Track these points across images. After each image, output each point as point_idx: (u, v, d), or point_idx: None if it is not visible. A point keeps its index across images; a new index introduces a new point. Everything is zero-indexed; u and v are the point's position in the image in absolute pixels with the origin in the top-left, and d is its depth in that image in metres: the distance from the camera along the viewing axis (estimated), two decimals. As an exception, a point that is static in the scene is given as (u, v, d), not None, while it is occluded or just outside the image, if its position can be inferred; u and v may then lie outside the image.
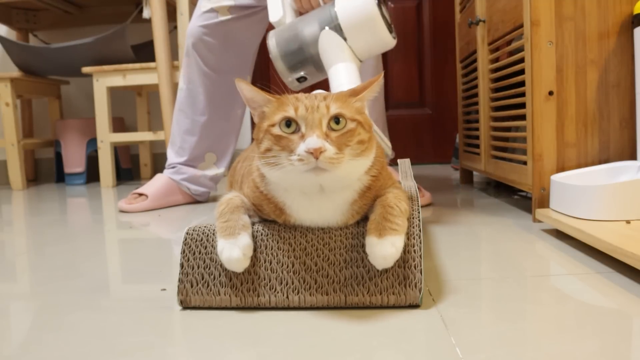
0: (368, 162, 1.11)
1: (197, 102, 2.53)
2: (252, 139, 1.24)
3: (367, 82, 1.14)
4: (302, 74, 1.89)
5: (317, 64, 1.86)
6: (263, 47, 2.48)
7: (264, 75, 4.36)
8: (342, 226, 1.15)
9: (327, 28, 1.80)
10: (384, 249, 1.06)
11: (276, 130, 1.05)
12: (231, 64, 2.51)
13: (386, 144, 1.75)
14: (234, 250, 1.09)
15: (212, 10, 2.40)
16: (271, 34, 1.91)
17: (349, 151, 1.05)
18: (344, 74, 1.77)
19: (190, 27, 2.47)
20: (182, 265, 1.15)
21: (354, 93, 1.12)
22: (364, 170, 1.12)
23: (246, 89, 1.11)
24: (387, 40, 1.82)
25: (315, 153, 1.00)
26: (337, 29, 1.79)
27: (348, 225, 1.15)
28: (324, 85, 1.78)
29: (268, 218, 1.20)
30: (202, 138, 2.57)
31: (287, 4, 1.96)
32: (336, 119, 1.05)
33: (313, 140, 1.01)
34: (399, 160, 1.79)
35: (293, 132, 1.04)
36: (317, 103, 1.04)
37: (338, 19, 1.79)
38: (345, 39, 1.79)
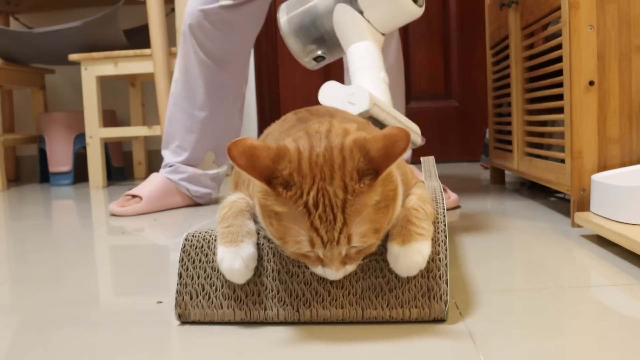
0: (399, 205, 1.08)
1: (195, 95, 2.53)
2: (258, 135, 1.22)
3: (385, 151, 0.97)
4: (318, 53, 1.87)
5: (334, 40, 1.82)
6: (268, 41, 2.48)
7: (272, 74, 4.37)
8: None
9: (342, 4, 1.75)
10: (408, 258, 1.05)
11: (289, 247, 1.01)
12: (230, 54, 2.51)
13: (414, 132, 1.69)
14: (235, 261, 1.08)
15: None
16: (282, 7, 1.88)
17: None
18: (364, 56, 1.73)
19: (188, 8, 2.47)
20: (180, 275, 1.15)
21: (376, 174, 0.97)
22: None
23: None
24: (411, 10, 1.76)
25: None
26: (353, 0, 1.75)
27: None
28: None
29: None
30: (202, 136, 2.57)
31: None
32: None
33: (332, 275, 1.02)
34: (422, 158, 1.79)
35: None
36: (336, 235, 0.96)
37: None
38: (362, 12, 1.74)
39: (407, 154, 2.49)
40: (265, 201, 0.99)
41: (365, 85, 1.67)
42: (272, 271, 1.13)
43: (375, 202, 0.98)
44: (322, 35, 1.83)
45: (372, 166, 0.95)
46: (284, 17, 1.86)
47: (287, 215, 0.97)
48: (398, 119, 1.65)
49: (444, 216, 1.18)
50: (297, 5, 1.86)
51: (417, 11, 1.76)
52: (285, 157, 0.97)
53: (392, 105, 1.70)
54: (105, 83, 3.99)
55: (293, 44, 1.86)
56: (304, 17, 1.83)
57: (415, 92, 4.34)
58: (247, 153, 0.95)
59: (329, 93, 1.63)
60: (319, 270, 1.02)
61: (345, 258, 1.00)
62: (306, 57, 1.89)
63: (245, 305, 1.11)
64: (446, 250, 1.11)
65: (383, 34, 1.80)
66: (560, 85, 1.91)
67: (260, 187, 1.00)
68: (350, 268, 1.03)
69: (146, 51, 3.57)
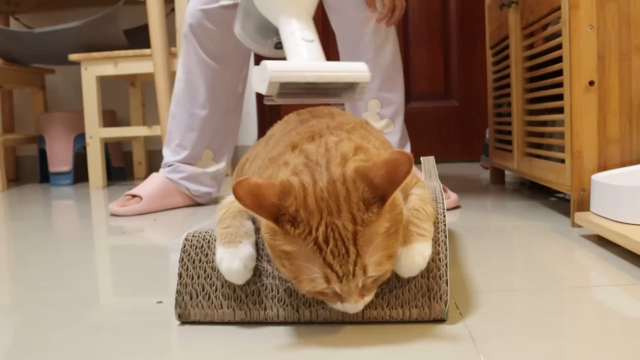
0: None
1: (197, 94, 2.53)
2: (259, 135, 1.21)
3: (387, 176, 0.96)
4: (274, 39, 1.90)
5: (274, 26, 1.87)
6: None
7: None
8: None
9: None
10: (410, 259, 1.05)
11: (304, 287, 1.00)
12: (231, 53, 2.51)
13: (357, 72, 1.67)
14: (234, 261, 1.09)
15: None
16: (235, 23, 1.95)
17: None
18: (283, 27, 1.74)
19: (189, 8, 2.47)
20: (180, 275, 1.15)
21: (382, 201, 0.95)
22: None
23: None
24: None
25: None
26: None
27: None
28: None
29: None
30: (202, 134, 2.57)
31: None
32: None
33: (352, 308, 1.01)
34: (422, 158, 1.80)
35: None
36: (351, 268, 0.95)
37: None
38: None
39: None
40: (274, 241, 0.98)
41: (289, 51, 1.69)
42: (272, 271, 1.13)
43: (386, 229, 0.97)
44: (264, 24, 1.85)
45: (378, 194, 0.95)
46: (238, 27, 1.93)
47: (298, 254, 0.96)
48: (324, 72, 1.62)
49: (444, 216, 1.18)
50: (238, 11, 1.92)
51: None
52: (291, 193, 0.96)
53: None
54: (105, 83, 3.98)
55: (251, 45, 1.94)
56: (244, 19, 1.90)
57: (415, 92, 4.34)
58: (252, 192, 0.95)
59: (255, 75, 1.65)
60: (337, 306, 1.01)
61: (362, 289, 0.99)
62: (268, 50, 1.93)
63: (245, 305, 1.11)
64: (446, 250, 1.11)
65: None
66: (560, 85, 1.91)
67: (266, 228, 0.99)
68: (368, 299, 1.01)
69: (146, 51, 3.56)
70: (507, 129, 2.60)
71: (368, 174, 0.96)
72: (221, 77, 2.52)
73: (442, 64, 4.36)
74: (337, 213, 0.94)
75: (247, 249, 1.10)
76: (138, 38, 3.91)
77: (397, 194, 1.00)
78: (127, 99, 4.39)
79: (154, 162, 4.33)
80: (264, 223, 0.99)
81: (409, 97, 4.26)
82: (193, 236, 1.19)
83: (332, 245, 0.94)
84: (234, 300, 1.12)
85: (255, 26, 1.90)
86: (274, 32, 1.84)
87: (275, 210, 0.95)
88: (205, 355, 0.99)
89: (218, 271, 1.13)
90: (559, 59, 1.90)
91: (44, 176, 4.21)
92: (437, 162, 1.78)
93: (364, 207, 0.95)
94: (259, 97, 4.37)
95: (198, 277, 1.15)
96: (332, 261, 0.94)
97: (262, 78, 1.61)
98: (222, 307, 1.12)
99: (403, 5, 2.40)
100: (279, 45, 1.88)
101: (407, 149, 2.51)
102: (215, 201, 2.71)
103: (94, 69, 3.67)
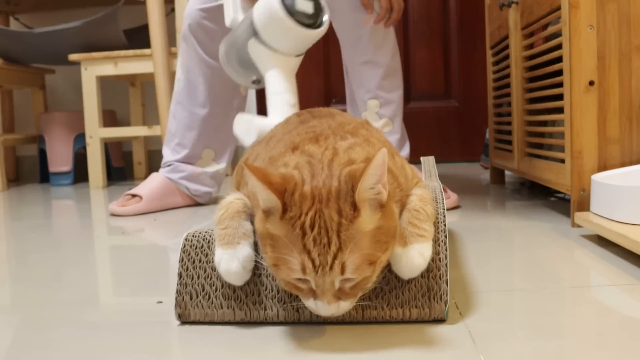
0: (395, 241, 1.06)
1: (196, 93, 2.53)
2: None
3: (361, 170, 0.95)
4: (254, 77, 2.00)
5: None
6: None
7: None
8: None
9: (252, 39, 1.87)
10: (410, 260, 1.05)
11: (281, 274, 0.99)
12: None
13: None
14: (232, 262, 1.08)
15: None
16: (222, 41, 2.03)
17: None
18: (272, 83, 1.88)
19: (187, 9, 2.48)
20: (180, 275, 1.15)
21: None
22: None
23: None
24: (307, 35, 1.83)
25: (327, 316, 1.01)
26: (258, 34, 1.86)
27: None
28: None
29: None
30: (201, 133, 2.57)
31: (239, 4, 2.01)
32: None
33: (324, 308, 0.98)
34: (422, 158, 1.80)
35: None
36: (330, 260, 0.94)
37: (255, 23, 1.85)
38: (267, 45, 1.85)
39: (406, 152, 2.50)
40: (264, 224, 0.98)
41: (273, 109, 1.85)
42: (272, 271, 1.13)
43: (372, 231, 0.96)
44: (250, 66, 1.94)
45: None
46: (222, 51, 2.01)
47: (282, 240, 0.95)
48: None
49: (444, 216, 1.18)
50: (228, 39, 2.00)
51: (315, 34, 1.85)
52: (292, 180, 0.97)
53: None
54: (105, 83, 3.98)
55: (230, 72, 2.02)
56: (232, 50, 1.97)
57: (415, 92, 4.34)
58: (262, 171, 0.96)
59: (240, 124, 1.83)
60: (310, 303, 0.99)
61: (339, 292, 0.97)
62: (244, 82, 2.03)
63: (245, 305, 1.11)
64: (446, 250, 1.11)
65: (299, 55, 1.91)
66: (560, 85, 1.91)
67: (260, 212, 0.99)
68: (344, 305, 0.98)
69: (146, 51, 3.56)
70: (507, 129, 2.60)
71: (355, 174, 0.96)
72: (222, 75, 2.51)
73: (442, 64, 4.36)
74: (327, 202, 0.95)
75: (245, 250, 1.10)
76: (138, 38, 3.91)
77: (393, 208, 1.01)
78: (127, 99, 4.39)
79: (154, 162, 4.33)
80: (259, 214, 0.99)
81: (409, 97, 4.26)
82: (193, 236, 1.19)
83: (315, 232, 0.93)
84: (234, 300, 1.12)
85: (239, 59, 1.97)
86: (255, 71, 1.95)
87: (281, 188, 0.96)
88: (205, 355, 0.99)
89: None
90: (559, 59, 1.90)
91: (44, 176, 4.21)
92: (437, 162, 1.78)
93: (350, 200, 0.95)
94: (259, 98, 4.38)
95: (198, 277, 1.15)
96: (312, 248, 0.93)
97: (246, 128, 1.78)
98: (222, 307, 1.12)
99: (401, 6, 2.41)
100: (255, 83, 2.00)
101: (406, 148, 2.52)
102: (215, 201, 2.71)
103: (94, 69, 3.67)
